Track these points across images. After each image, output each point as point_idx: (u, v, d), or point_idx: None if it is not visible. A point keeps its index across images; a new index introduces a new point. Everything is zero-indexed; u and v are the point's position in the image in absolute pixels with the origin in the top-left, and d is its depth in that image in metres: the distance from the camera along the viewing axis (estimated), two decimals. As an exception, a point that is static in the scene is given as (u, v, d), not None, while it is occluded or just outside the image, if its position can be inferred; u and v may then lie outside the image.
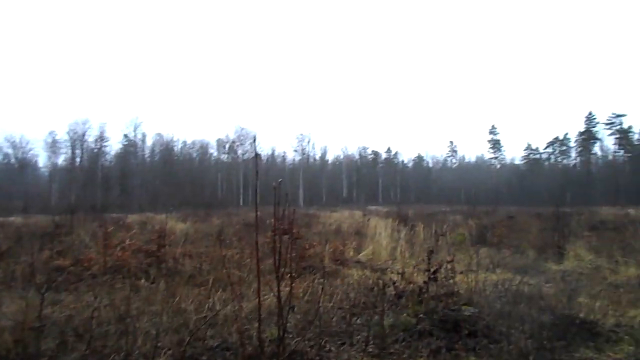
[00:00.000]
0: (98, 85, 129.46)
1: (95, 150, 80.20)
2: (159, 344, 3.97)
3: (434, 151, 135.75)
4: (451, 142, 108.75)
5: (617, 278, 7.97)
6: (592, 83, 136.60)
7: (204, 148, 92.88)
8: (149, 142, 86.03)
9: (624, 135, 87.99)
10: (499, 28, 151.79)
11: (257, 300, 3.69)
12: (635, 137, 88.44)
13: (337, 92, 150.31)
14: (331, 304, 5.38)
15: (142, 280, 6.90)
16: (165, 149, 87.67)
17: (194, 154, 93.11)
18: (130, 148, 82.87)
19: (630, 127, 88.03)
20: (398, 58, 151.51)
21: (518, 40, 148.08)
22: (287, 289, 3.78)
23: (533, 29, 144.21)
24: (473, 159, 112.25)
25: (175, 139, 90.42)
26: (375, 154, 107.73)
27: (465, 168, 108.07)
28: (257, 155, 7.04)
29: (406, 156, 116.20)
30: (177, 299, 5.32)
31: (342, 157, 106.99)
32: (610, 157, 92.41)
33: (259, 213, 4.05)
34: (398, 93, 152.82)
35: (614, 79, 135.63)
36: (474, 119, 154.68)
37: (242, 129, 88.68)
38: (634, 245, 10.35)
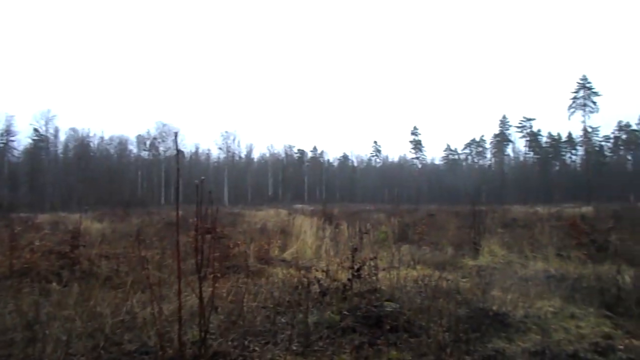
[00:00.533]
0: (4, 74, 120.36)
1: (1, 145, 74.75)
2: (71, 350, 3.75)
3: (359, 151, 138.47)
4: (375, 142, 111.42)
5: (527, 272, 8.45)
6: (506, 88, 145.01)
7: (122, 144, 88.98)
8: (62, 137, 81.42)
9: (533, 138, 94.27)
10: (422, 32, 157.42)
11: (178, 301, 3.56)
12: (544, 140, 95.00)
13: (264, 90, 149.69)
14: (255, 304, 5.32)
15: (53, 284, 6.47)
16: (80, 145, 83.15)
17: (112, 150, 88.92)
18: (41, 143, 77.94)
19: (539, 131, 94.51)
20: (324, 58, 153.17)
21: (440, 45, 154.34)
22: (210, 289, 3.69)
23: (454, 36, 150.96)
24: (396, 159, 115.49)
25: (91, 134, 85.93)
26: (301, 152, 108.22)
27: (388, 167, 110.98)
28: (179, 152, 6.81)
29: (332, 155, 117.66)
30: (92, 302, 5.04)
31: (268, 155, 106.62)
32: (522, 158, 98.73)
33: (181, 212, 3.92)
34: (325, 92, 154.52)
35: (526, 84, 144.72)
36: (397, 120, 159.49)
37: (164, 124, 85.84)
38: (541, 241, 11.04)
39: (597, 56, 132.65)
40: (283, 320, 4.89)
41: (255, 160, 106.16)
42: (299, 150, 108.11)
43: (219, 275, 4.32)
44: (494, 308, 5.38)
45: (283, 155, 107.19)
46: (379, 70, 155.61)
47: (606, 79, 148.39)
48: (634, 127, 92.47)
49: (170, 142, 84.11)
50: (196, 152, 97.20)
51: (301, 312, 4.73)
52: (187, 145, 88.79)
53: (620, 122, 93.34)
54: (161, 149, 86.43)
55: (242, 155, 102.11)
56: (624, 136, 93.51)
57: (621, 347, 4.48)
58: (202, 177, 3.47)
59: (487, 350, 4.30)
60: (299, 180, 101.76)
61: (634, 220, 18.37)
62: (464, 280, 7.52)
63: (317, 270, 7.03)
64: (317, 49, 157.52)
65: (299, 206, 42.74)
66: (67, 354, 3.63)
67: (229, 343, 4.01)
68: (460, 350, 4.04)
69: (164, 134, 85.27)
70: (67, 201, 62.49)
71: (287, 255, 9.86)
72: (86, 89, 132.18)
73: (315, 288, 5.82)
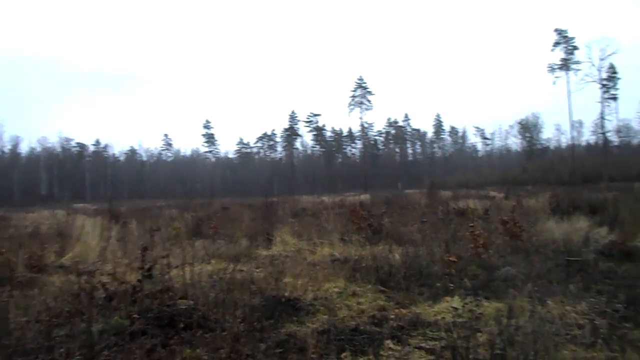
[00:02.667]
0: None
1: None
2: None
3: (148, 144, 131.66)
4: (166, 135, 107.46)
5: (315, 257, 9.03)
6: (295, 84, 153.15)
7: None
8: None
9: (319, 133, 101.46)
10: (214, 27, 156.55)
11: None
12: (328, 134, 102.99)
13: (31, 72, 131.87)
14: (25, 318, 4.65)
15: None
16: None
17: None
18: None
19: (324, 126, 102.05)
20: (110, 42, 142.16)
21: (230, 40, 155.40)
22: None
23: (244, 31, 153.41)
24: (188, 153, 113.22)
25: None
26: (82, 146, 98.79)
27: (181, 161, 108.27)
28: None
29: (118, 149, 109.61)
30: None
31: (39, 149, 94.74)
32: (309, 151, 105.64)
33: None
34: (108, 79, 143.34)
35: (313, 82, 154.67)
36: (188, 113, 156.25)
37: None
38: (327, 227, 11.90)
39: (371, 59, 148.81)
40: (62, 332, 4.36)
41: (24, 154, 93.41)
42: (78, 143, 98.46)
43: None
44: (286, 294, 5.62)
45: (59, 149, 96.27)
46: (168, 61, 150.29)
47: (378, 80, 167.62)
48: (401, 123, 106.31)
49: None
50: None
51: (83, 322, 4.28)
52: None
53: (389, 119, 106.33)
54: None
55: (6, 149, 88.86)
56: (392, 131, 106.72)
57: (392, 316, 5.08)
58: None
59: (280, 335, 4.47)
60: (80, 177, 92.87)
61: (401, 205, 21.10)
62: (258, 270, 7.69)
63: (102, 274, 6.47)
64: (105, 33, 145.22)
65: (80, 205, 38.94)
66: None
67: (-9, 368, 3.42)
68: (254, 338, 4.10)
69: None
70: None
71: (66, 260, 8.89)
72: None
73: (100, 293, 5.33)
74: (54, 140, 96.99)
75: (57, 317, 4.69)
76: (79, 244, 9.59)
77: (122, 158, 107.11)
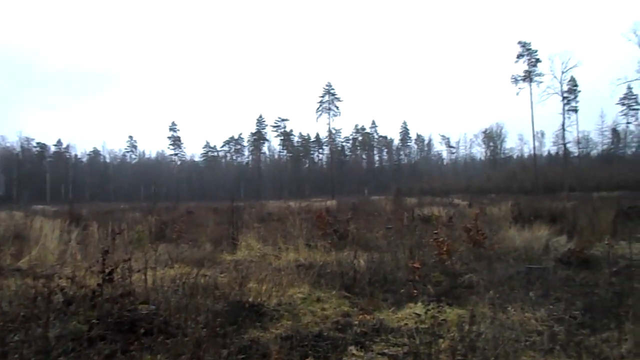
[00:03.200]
0: None
1: None
2: None
3: (112, 145, 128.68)
4: (130, 137, 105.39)
5: (280, 263, 8.98)
6: (263, 88, 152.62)
7: None
8: None
9: (286, 138, 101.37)
10: (180, 29, 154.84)
11: None
12: (296, 139, 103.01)
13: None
14: (-23, 323, 4.46)
15: None
16: None
17: None
18: None
19: (291, 131, 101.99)
20: (69, 41, 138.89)
21: (197, 42, 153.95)
22: None
23: (211, 33, 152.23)
24: (154, 155, 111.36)
25: None
26: (42, 146, 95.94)
27: (145, 164, 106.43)
28: None
29: (80, 150, 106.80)
30: None
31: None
32: (276, 156, 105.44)
33: None
34: (72, 79, 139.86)
35: (281, 87, 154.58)
36: (154, 115, 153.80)
37: None
38: (293, 233, 11.86)
39: (340, 66, 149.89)
40: (16, 338, 4.21)
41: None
42: (38, 143, 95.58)
43: None
44: (250, 299, 5.57)
45: (18, 149, 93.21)
46: (134, 62, 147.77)
47: (346, 86, 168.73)
48: (368, 130, 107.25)
49: None
50: None
51: (40, 327, 4.14)
52: None
53: (357, 125, 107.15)
54: None
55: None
56: (360, 138, 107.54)
57: (356, 322, 5.10)
58: None
59: (243, 341, 4.42)
60: (40, 178, 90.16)
61: (367, 212, 21.26)
62: (222, 275, 7.61)
63: (61, 278, 6.28)
64: (70, 32, 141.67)
65: (39, 207, 37.77)
66: None
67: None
68: (217, 344, 4.04)
69: None
70: None
71: (23, 263, 8.58)
72: None
73: (58, 297, 5.18)
74: (13, 140, 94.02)
75: (12, 322, 4.52)
76: (37, 247, 9.29)
77: (84, 159, 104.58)
